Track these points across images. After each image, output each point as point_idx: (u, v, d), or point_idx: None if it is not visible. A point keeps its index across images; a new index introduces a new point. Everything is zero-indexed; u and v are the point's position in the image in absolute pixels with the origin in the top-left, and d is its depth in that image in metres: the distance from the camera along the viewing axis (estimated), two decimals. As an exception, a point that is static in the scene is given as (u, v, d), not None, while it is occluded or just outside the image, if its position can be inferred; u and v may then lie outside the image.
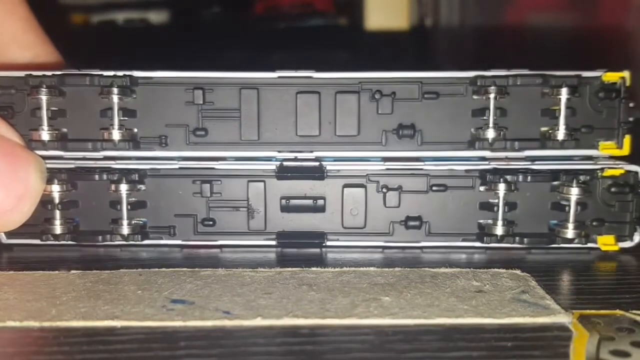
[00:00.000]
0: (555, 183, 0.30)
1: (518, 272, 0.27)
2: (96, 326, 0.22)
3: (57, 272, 0.27)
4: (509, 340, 0.21)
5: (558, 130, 0.29)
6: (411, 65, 0.30)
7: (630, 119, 0.30)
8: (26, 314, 0.23)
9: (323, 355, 0.20)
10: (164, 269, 0.27)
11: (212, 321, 0.22)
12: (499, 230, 0.30)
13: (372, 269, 0.28)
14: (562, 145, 0.29)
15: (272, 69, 0.30)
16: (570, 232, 0.30)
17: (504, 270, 0.27)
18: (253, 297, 0.24)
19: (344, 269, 0.28)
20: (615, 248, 0.30)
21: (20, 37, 0.34)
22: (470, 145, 0.30)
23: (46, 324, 0.22)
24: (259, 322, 0.22)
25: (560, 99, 0.29)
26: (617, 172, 0.30)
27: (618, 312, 0.23)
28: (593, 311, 0.24)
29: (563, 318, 0.23)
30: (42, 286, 0.26)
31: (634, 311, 0.23)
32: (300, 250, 0.31)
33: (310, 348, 0.21)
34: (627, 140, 0.30)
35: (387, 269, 0.28)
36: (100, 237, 0.30)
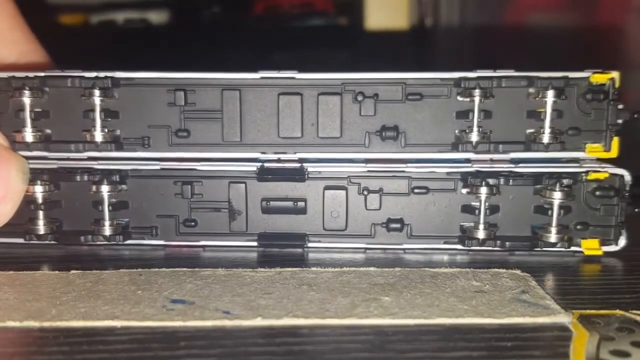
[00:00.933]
0: (539, 186, 0.29)
1: (518, 272, 0.27)
2: (96, 326, 0.22)
3: (57, 272, 0.27)
4: (509, 340, 0.21)
5: (543, 132, 0.29)
6: (411, 65, 0.30)
7: (619, 120, 0.29)
8: (26, 314, 0.23)
9: (323, 355, 0.20)
10: (164, 269, 0.27)
11: (212, 321, 0.22)
12: (481, 233, 0.30)
13: (372, 268, 0.28)
14: (547, 148, 0.29)
15: (272, 69, 0.30)
16: (552, 236, 0.29)
17: (504, 270, 0.27)
18: (253, 297, 0.24)
19: (344, 268, 0.28)
20: (599, 252, 0.30)
21: (7, 35, 0.34)
22: (454, 148, 0.29)
23: (46, 324, 0.22)
24: (259, 322, 0.22)
25: (546, 101, 0.29)
26: (601, 176, 0.29)
27: (618, 312, 0.23)
28: (593, 311, 0.24)
29: (563, 318, 0.23)
30: (42, 286, 0.26)
31: (634, 311, 0.23)
32: (283, 250, 0.31)
33: (310, 348, 0.21)
34: (615, 142, 0.29)
35: (387, 269, 0.28)
36: (82, 238, 0.30)
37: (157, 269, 0.27)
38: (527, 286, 0.26)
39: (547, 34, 0.75)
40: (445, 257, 0.30)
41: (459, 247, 0.30)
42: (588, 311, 0.23)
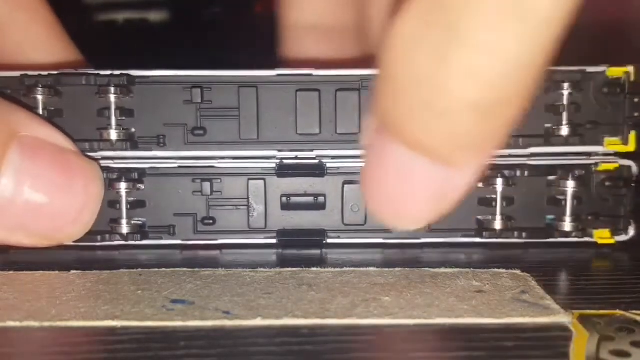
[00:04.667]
0: (552, 178, 0.30)
1: (518, 272, 0.27)
2: (96, 326, 0.22)
3: (57, 272, 0.27)
4: (509, 340, 0.21)
5: (562, 126, 0.29)
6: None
7: (636, 114, 0.30)
8: (26, 314, 0.23)
9: (323, 355, 0.20)
10: (164, 269, 0.27)
11: (212, 321, 0.22)
12: (498, 225, 0.30)
13: (372, 269, 0.28)
14: (566, 141, 0.29)
15: (271, 68, 0.30)
16: (567, 225, 0.30)
17: (504, 271, 0.27)
18: (253, 297, 0.24)
19: (344, 269, 0.28)
20: (611, 241, 0.30)
21: (45, 43, 0.33)
22: None
23: (46, 324, 0.22)
24: (259, 322, 0.22)
25: (563, 94, 0.29)
26: (611, 167, 0.30)
27: (618, 312, 0.23)
28: (593, 311, 0.24)
29: (563, 318, 0.23)
30: (42, 286, 0.26)
31: (634, 311, 0.23)
32: (300, 251, 0.31)
33: (310, 348, 0.21)
34: (632, 136, 0.30)
35: (387, 269, 0.28)
36: (99, 237, 0.30)
37: (156, 269, 0.27)
38: (527, 286, 0.26)
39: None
40: (463, 256, 0.30)
41: (477, 239, 0.31)
42: (588, 311, 0.23)
